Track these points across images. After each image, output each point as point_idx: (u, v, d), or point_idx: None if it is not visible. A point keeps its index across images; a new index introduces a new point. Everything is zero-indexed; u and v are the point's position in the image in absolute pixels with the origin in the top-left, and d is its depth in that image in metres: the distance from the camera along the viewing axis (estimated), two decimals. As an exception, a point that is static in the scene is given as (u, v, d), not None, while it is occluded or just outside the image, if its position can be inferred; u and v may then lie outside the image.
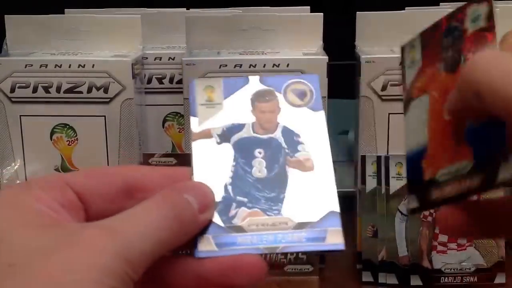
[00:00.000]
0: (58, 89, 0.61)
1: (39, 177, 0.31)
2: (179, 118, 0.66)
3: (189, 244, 0.31)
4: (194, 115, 0.36)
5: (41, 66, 0.61)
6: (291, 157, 0.35)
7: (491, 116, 0.27)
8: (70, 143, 0.62)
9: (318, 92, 0.37)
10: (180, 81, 0.63)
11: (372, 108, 0.60)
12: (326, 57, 0.60)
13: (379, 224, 0.59)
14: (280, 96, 0.37)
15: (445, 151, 0.34)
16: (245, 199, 0.34)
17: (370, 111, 0.60)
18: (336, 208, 0.34)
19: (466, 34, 0.35)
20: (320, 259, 0.61)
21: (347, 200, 0.66)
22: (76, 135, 0.62)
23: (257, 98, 0.37)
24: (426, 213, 0.59)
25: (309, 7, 0.68)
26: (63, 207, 0.30)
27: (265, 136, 0.36)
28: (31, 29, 0.64)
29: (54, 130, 0.62)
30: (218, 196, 0.33)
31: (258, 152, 0.35)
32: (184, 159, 0.61)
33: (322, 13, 0.62)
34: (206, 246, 0.32)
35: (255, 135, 0.36)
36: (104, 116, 0.61)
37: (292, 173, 0.35)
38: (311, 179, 0.35)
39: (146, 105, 0.66)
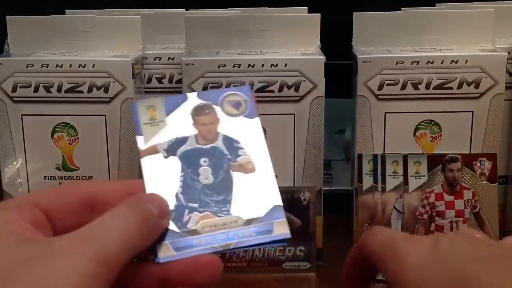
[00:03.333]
0: (59, 89, 0.61)
1: (11, 200, 0.34)
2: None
3: (150, 251, 0.34)
4: (140, 134, 0.39)
5: (42, 66, 0.61)
6: (234, 161, 0.39)
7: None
8: (71, 142, 0.62)
9: (251, 102, 0.40)
10: (179, 81, 0.63)
11: (368, 107, 0.61)
12: (324, 57, 0.60)
13: (375, 222, 0.60)
14: (217, 108, 0.40)
15: None
16: (196, 205, 0.37)
17: (367, 110, 0.61)
18: (279, 202, 0.37)
19: None
20: (317, 256, 0.62)
21: (344, 199, 0.67)
22: (77, 134, 0.62)
23: (197, 112, 0.40)
24: (422, 211, 0.60)
25: (306, 7, 0.69)
26: (34, 226, 0.32)
27: (208, 146, 0.39)
28: (32, 29, 0.64)
29: (55, 129, 0.62)
30: (171, 205, 0.36)
31: (203, 161, 0.39)
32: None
33: (319, 14, 0.63)
34: (166, 252, 0.34)
35: (198, 146, 0.39)
36: (105, 115, 0.62)
37: (236, 176, 0.38)
38: (254, 179, 0.38)
39: (146, 104, 0.66)
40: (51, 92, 0.62)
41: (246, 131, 0.40)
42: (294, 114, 0.61)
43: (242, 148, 0.39)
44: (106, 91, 0.61)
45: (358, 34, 0.64)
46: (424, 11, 0.65)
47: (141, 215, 0.33)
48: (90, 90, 0.61)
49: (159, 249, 0.34)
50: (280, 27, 0.63)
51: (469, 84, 0.60)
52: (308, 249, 0.61)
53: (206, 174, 0.38)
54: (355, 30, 0.64)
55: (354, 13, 0.64)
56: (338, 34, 0.66)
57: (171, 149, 0.39)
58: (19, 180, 0.63)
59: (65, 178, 0.63)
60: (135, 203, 0.34)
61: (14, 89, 0.62)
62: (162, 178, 0.37)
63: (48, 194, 0.35)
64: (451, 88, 0.60)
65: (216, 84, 0.60)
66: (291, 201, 0.61)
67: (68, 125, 0.62)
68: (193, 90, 0.60)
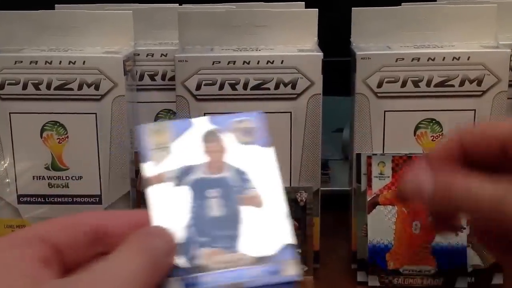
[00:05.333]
0: (48, 86, 0.60)
1: (16, 233, 0.33)
2: (171, 115, 0.65)
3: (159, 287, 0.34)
4: (146, 160, 0.36)
5: (31, 62, 0.60)
6: (244, 194, 0.37)
7: None
8: (61, 141, 0.61)
9: (264, 129, 0.38)
10: (172, 78, 0.62)
11: (367, 106, 0.60)
12: (321, 54, 0.59)
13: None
14: (228, 135, 0.38)
15: (410, 255, 0.52)
16: (205, 239, 0.35)
17: (366, 108, 0.60)
18: (291, 240, 0.35)
19: None
20: (314, 259, 0.61)
21: (342, 199, 0.66)
22: (67, 133, 0.61)
23: (206, 138, 0.37)
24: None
25: (303, 2, 0.67)
26: (44, 263, 0.31)
27: (216, 176, 0.37)
28: (21, 25, 0.63)
29: (44, 127, 0.61)
30: (179, 238, 0.35)
31: (212, 192, 0.37)
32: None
33: (317, 9, 0.62)
34: None
35: (207, 175, 0.37)
36: (95, 113, 0.60)
37: (246, 210, 0.36)
38: (264, 214, 0.36)
39: (138, 102, 0.65)
40: (40, 90, 0.60)
41: (258, 161, 0.37)
42: (290, 112, 0.59)
43: (251, 180, 0.37)
44: (97, 88, 0.60)
45: (357, 30, 0.63)
46: (425, 6, 0.64)
47: (149, 254, 0.32)
48: (80, 87, 0.60)
49: (168, 285, 0.33)
50: (276, 22, 0.62)
51: (471, 81, 0.59)
52: (305, 251, 0.60)
53: (214, 206, 0.36)
54: (354, 25, 0.63)
55: (352, 8, 0.62)
56: (336, 30, 0.65)
57: (180, 177, 0.36)
58: (7, 180, 0.62)
59: (54, 178, 0.61)
60: (143, 239, 0.33)
61: (2, 86, 0.60)
62: (170, 209, 0.36)
63: (54, 228, 0.34)
64: (452, 85, 0.59)
65: (210, 81, 0.59)
66: (288, 202, 0.59)
67: (58, 124, 0.61)
68: (186, 88, 0.59)
